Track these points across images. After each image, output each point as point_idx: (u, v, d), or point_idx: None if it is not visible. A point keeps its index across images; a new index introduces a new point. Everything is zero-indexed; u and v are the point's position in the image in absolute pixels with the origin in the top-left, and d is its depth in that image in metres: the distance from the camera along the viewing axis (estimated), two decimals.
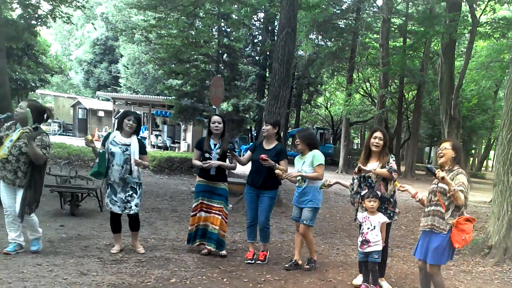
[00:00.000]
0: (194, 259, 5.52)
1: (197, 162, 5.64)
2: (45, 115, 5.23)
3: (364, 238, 4.73)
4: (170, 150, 24.63)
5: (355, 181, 4.96)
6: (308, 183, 5.32)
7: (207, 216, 5.69)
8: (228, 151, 5.59)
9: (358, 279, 5.04)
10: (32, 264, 4.67)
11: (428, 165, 4.44)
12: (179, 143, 26.43)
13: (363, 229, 4.76)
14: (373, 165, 4.80)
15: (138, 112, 28.67)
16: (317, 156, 5.31)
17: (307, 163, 5.31)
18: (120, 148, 5.25)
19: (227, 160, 5.77)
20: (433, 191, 4.26)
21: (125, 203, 5.33)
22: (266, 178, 5.45)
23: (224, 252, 5.76)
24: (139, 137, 5.50)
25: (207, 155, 5.59)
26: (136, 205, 5.39)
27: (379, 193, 4.74)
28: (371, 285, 4.77)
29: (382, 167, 4.74)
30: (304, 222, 5.30)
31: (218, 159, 5.61)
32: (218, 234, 5.67)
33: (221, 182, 5.73)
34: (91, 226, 6.84)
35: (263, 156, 5.24)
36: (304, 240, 5.49)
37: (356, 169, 4.91)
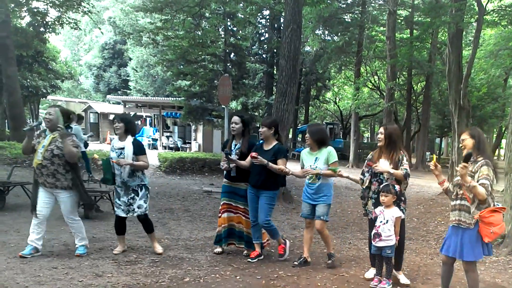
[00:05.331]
0: (207, 257, 5.58)
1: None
2: (70, 117, 5.55)
3: (376, 231, 4.75)
4: (181, 150, 24.75)
5: (367, 175, 4.97)
6: (323, 180, 5.31)
7: (233, 216, 5.73)
8: (225, 156, 5.49)
9: (370, 273, 5.07)
10: (48, 268, 4.75)
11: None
12: (190, 143, 26.53)
13: (377, 222, 4.79)
14: (384, 162, 4.79)
15: (148, 114, 28.75)
16: (332, 153, 5.31)
17: (322, 160, 5.28)
18: (116, 152, 5.37)
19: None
20: (458, 184, 4.13)
21: (128, 206, 5.41)
22: (265, 178, 5.38)
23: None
24: (136, 137, 5.55)
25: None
26: (138, 207, 5.40)
27: (397, 187, 4.74)
28: (384, 279, 4.79)
29: (393, 165, 4.74)
30: (321, 217, 5.31)
31: (237, 159, 5.57)
32: (247, 234, 5.72)
33: (243, 182, 5.66)
34: (105, 228, 6.91)
35: (253, 154, 5.23)
36: (321, 235, 5.50)
37: (366, 163, 4.95)
